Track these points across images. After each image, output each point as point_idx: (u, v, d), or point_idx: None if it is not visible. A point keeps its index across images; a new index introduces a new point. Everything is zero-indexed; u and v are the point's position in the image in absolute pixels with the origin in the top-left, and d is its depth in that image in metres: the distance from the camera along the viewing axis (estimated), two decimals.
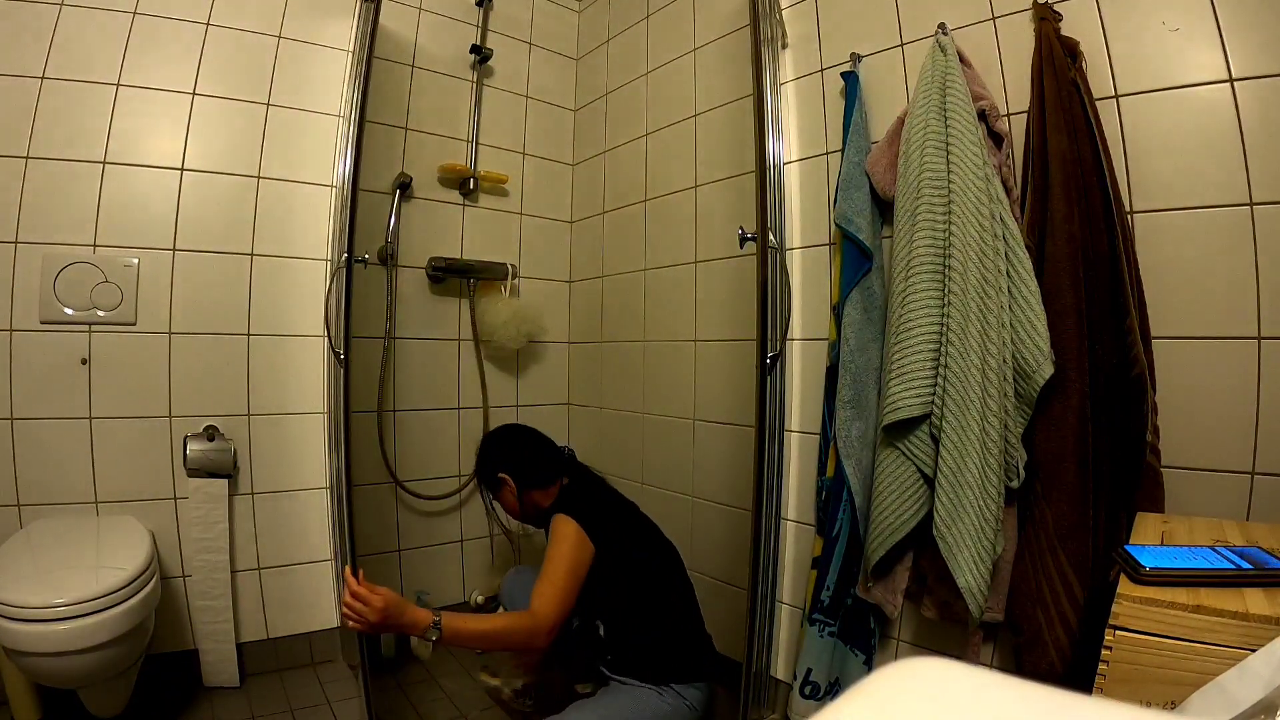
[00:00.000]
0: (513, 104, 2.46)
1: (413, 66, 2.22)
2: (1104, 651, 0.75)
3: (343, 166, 2.04)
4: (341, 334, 1.50)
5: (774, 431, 1.76)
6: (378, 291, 2.13)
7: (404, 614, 1.26)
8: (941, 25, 1.44)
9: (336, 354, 1.52)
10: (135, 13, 1.76)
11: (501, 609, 1.86)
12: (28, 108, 1.65)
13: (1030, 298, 1.26)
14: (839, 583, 1.56)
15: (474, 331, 2.34)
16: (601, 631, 1.54)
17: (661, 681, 1.48)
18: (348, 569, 1.29)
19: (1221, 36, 1.16)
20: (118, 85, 1.75)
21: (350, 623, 1.24)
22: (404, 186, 2.16)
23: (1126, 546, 0.84)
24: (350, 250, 1.52)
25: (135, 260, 1.77)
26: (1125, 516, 1.19)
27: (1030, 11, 1.36)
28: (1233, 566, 0.77)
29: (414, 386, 2.24)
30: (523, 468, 1.66)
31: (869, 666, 1.57)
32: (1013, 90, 1.41)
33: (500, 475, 1.66)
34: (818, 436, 1.69)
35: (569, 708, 1.46)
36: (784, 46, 1.85)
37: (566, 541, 1.46)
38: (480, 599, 2.38)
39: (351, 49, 2.07)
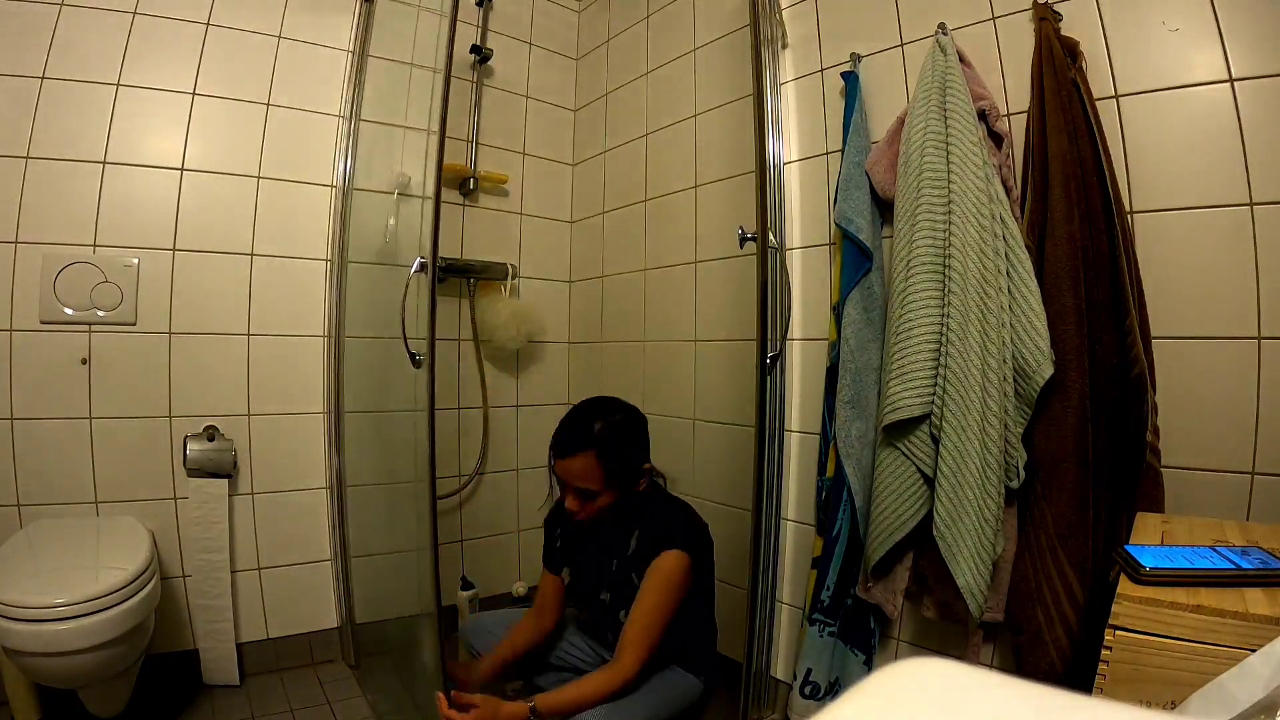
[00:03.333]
0: (513, 104, 2.46)
1: (413, 66, 2.22)
2: (1104, 651, 0.75)
3: (343, 166, 2.05)
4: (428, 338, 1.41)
5: (774, 431, 1.76)
6: (377, 291, 2.13)
7: (499, 709, 1.27)
8: (941, 25, 1.44)
9: (414, 357, 1.48)
10: (135, 13, 1.77)
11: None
12: (28, 108, 1.65)
13: (1030, 298, 1.26)
14: (839, 583, 1.56)
15: (474, 331, 2.34)
16: (623, 616, 1.42)
17: (670, 664, 1.46)
18: (440, 695, 1.28)
19: (1221, 36, 1.16)
20: (118, 85, 1.75)
21: None
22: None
23: (1126, 546, 0.84)
24: (434, 251, 1.42)
25: (135, 260, 1.77)
26: (1125, 516, 1.19)
27: (1030, 11, 1.36)
28: (1233, 566, 0.77)
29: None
30: (637, 460, 1.44)
31: (869, 666, 1.57)
32: (1013, 90, 1.41)
33: (647, 465, 1.45)
34: (818, 436, 1.69)
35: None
36: (784, 46, 1.85)
37: (673, 583, 1.35)
38: (522, 589, 2.43)
39: (351, 49, 2.07)
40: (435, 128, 1.34)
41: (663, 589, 1.35)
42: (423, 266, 1.49)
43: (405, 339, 1.52)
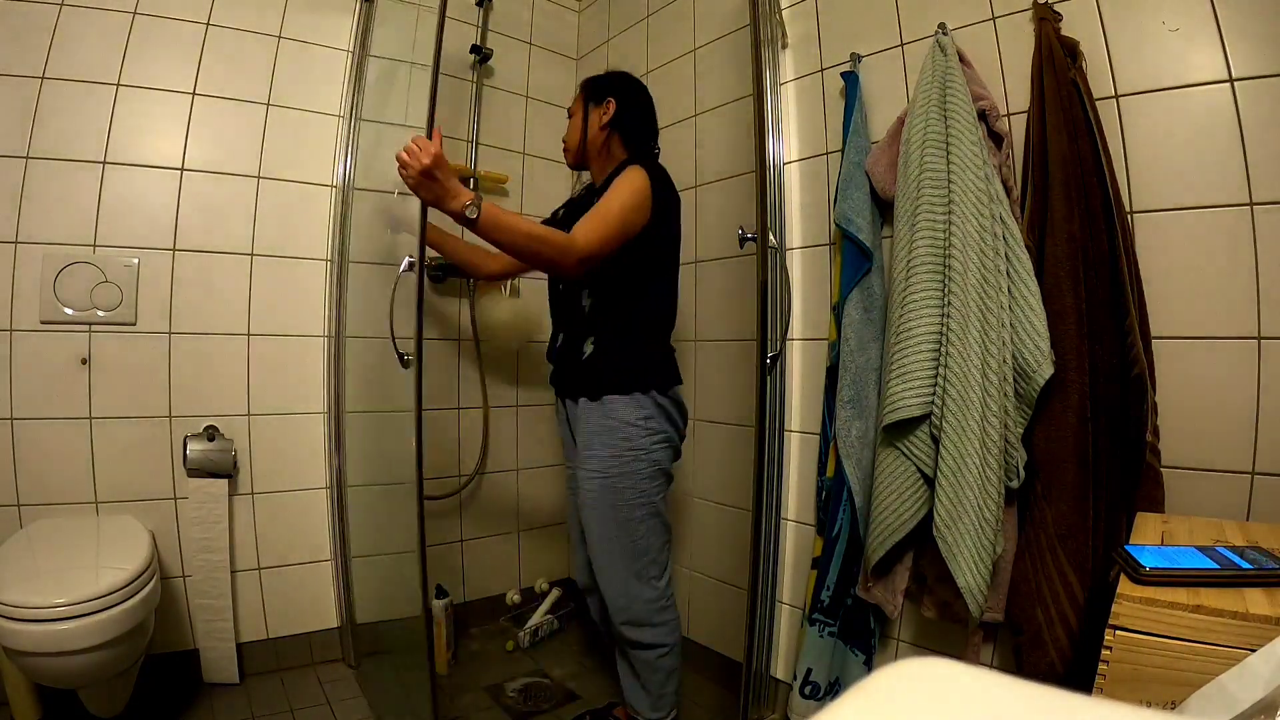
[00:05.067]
0: (513, 104, 2.46)
1: (413, 66, 2.22)
2: (1104, 651, 0.75)
3: (343, 166, 2.05)
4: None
5: (774, 431, 1.76)
6: (373, 291, 2.13)
7: (449, 176, 1.21)
8: (941, 25, 1.44)
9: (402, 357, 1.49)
10: (135, 13, 1.76)
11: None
12: (28, 108, 1.65)
13: (1030, 297, 1.26)
14: (839, 583, 1.56)
15: (474, 331, 2.34)
16: (589, 349, 1.49)
17: (646, 389, 1.47)
18: (437, 127, 1.25)
19: (1221, 36, 1.16)
20: (118, 85, 1.75)
21: (402, 169, 1.20)
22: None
23: (1126, 546, 0.84)
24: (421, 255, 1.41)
25: (135, 260, 1.77)
26: (1125, 516, 1.19)
27: (1030, 11, 1.36)
28: (1233, 566, 0.77)
29: None
30: (634, 110, 1.56)
31: (869, 666, 1.57)
32: (1013, 90, 1.41)
33: (608, 97, 1.54)
34: (818, 436, 1.69)
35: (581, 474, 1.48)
36: (784, 46, 1.85)
37: (632, 189, 1.40)
38: (517, 598, 2.43)
39: (351, 49, 2.07)
40: (424, 122, 1.33)
41: (619, 187, 1.40)
42: (411, 265, 1.47)
43: (394, 339, 1.51)
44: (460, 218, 1.23)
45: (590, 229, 1.35)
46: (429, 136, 1.24)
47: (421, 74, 2.16)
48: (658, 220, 1.45)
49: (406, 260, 1.55)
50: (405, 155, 1.19)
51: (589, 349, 1.50)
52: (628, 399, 1.45)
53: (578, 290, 1.52)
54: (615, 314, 1.49)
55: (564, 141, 1.65)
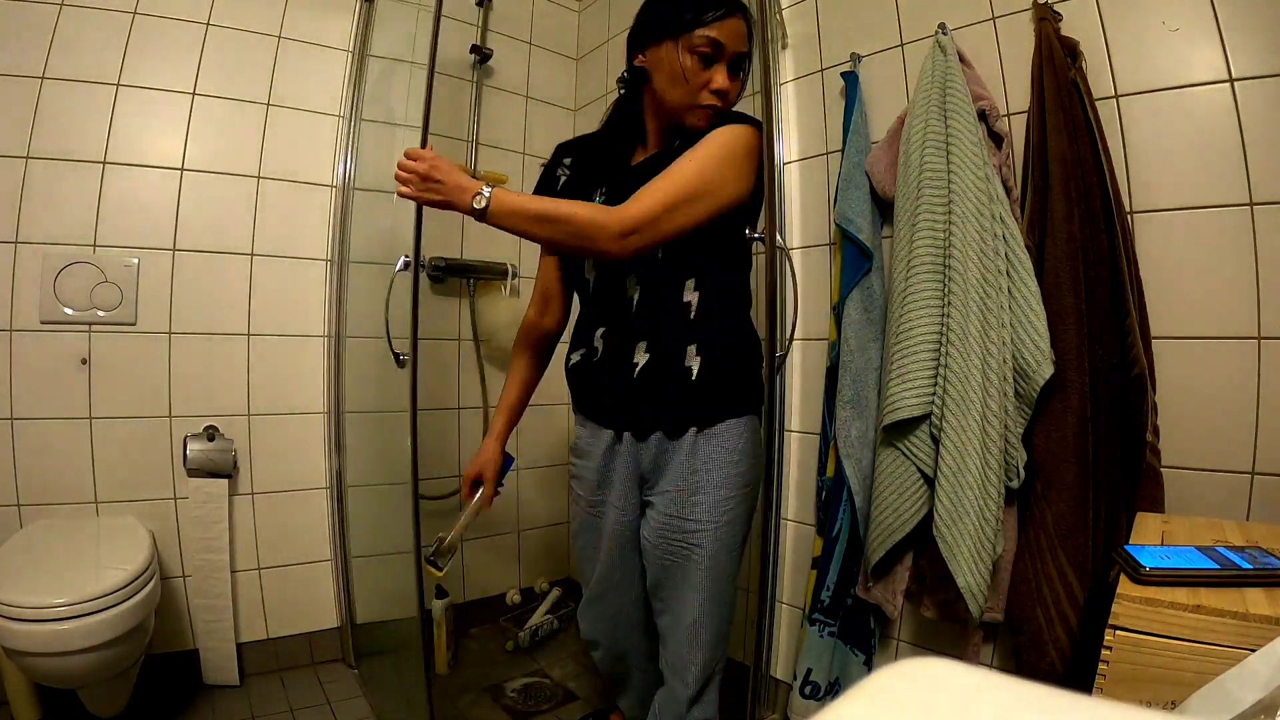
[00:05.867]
0: (513, 104, 2.46)
1: (412, 65, 2.22)
2: (1104, 651, 0.75)
3: (343, 166, 2.05)
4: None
5: (774, 431, 1.76)
6: (375, 291, 2.14)
7: (453, 171, 1.06)
8: (941, 25, 1.44)
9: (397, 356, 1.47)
10: (135, 13, 1.76)
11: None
12: (28, 108, 1.65)
13: (1030, 297, 1.26)
14: (839, 583, 1.56)
15: (474, 331, 2.34)
16: (697, 364, 1.14)
17: (757, 410, 1.22)
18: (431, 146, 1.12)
19: (1221, 36, 1.16)
20: (118, 85, 1.75)
21: (401, 187, 1.07)
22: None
23: (1126, 546, 0.84)
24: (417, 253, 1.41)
25: (135, 260, 1.77)
26: (1125, 516, 1.19)
27: (1030, 11, 1.36)
28: (1233, 566, 0.77)
29: None
30: None
31: (869, 666, 1.57)
32: (1013, 90, 1.41)
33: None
34: (818, 436, 1.69)
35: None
36: (784, 47, 1.85)
37: (733, 145, 1.07)
38: (518, 597, 2.40)
39: (351, 49, 2.07)
40: (419, 122, 1.34)
41: (708, 149, 1.06)
42: (406, 264, 1.45)
43: (389, 339, 1.50)
44: (472, 213, 1.09)
45: (647, 193, 1.05)
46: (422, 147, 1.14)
47: (420, 74, 2.17)
48: (757, 195, 1.16)
49: (403, 259, 1.51)
50: (402, 172, 1.07)
51: (696, 364, 1.14)
52: (742, 423, 1.18)
53: (677, 283, 1.16)
54: (723, 314, 1.18)
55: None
